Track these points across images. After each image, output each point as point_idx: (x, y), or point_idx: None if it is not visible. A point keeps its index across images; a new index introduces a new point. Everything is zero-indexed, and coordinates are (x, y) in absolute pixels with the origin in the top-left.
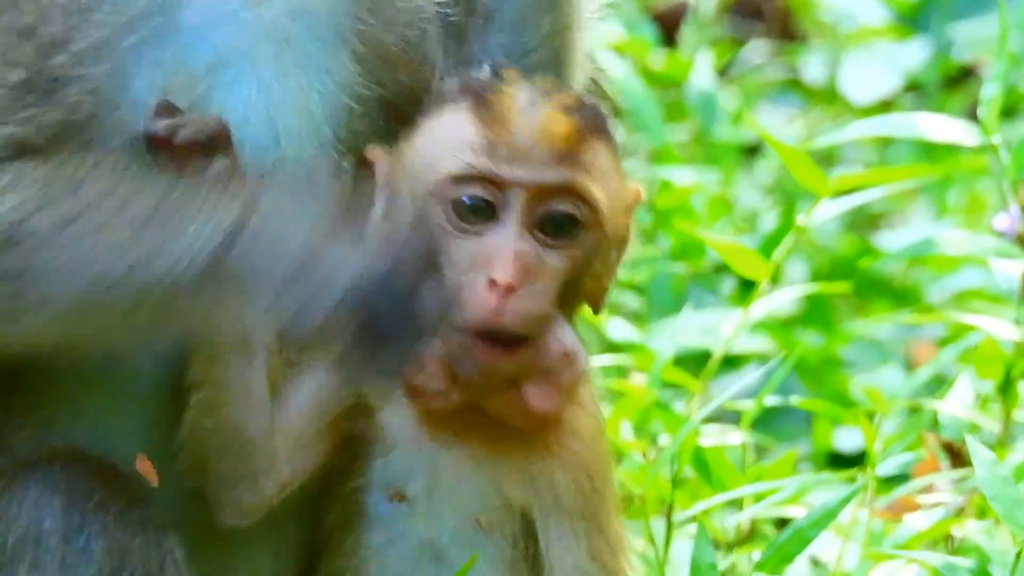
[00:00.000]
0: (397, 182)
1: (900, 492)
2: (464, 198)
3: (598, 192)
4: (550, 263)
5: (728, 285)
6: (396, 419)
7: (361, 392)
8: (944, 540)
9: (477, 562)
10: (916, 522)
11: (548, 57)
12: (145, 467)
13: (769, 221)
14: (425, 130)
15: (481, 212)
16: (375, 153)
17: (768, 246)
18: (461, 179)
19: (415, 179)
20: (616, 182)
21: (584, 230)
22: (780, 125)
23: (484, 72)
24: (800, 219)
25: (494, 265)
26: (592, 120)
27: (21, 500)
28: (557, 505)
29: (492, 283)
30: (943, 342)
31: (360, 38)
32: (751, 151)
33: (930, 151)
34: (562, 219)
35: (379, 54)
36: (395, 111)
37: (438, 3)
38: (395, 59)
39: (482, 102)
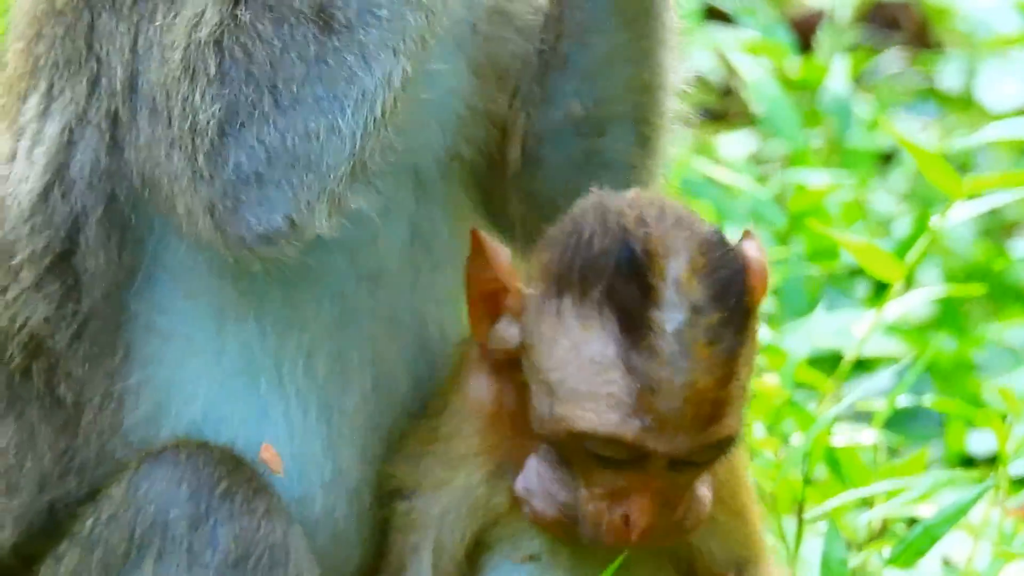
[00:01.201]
0: (534, 357)
1: None
2: (605, 454)
3: (737, 417)
4: (686, 479)
5: (862, 288)
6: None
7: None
8: None
9: None
10: None
11: (627, 111)
12: (269, 456)
13: (903, 226)
14: (570, 334)
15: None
16: (506, 280)
17: (902, 249)
18: (606, 440)
19: (556, 396)
20: (752, 357)
21: (722, 451)
22: (915, 132)
23: (627, 268)
24: (934, 222)
25: (633, 505)
26: (736, 325)
27: (148, 489)
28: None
29: (625, 518)
30: None
31: (477, 48)
32: (886, 158)
33: None
34: (702, 461)
35: (493, 67)
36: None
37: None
38: (505, 75)
39: (636, 336)
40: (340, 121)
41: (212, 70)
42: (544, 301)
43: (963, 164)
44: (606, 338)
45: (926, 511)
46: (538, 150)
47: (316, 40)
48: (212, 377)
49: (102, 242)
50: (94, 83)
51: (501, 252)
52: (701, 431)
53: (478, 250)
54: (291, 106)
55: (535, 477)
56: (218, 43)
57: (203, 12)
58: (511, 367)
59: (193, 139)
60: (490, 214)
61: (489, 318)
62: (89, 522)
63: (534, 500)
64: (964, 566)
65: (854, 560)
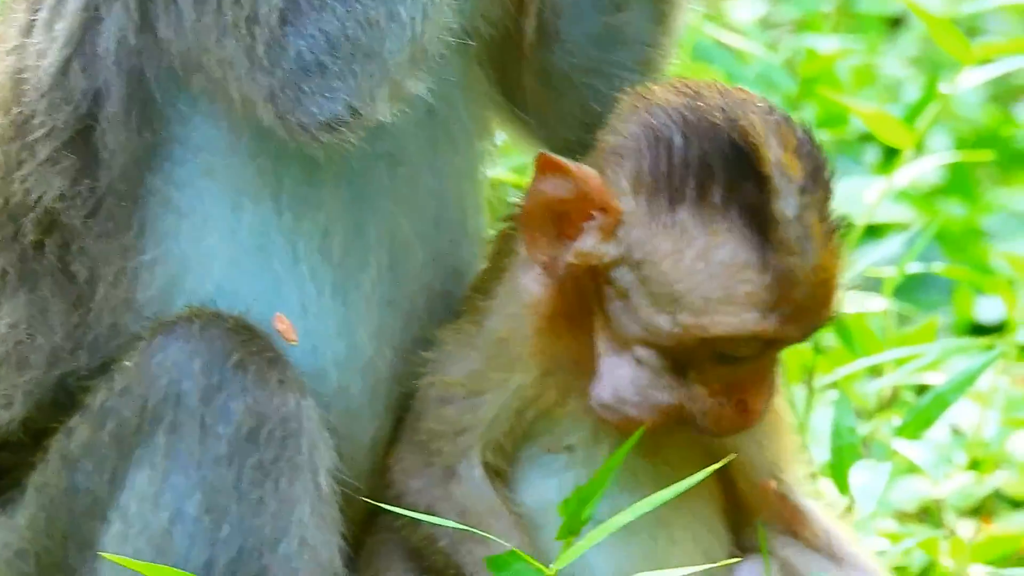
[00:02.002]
0: (646, 271)
1: None
2: (736, 352)
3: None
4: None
5: (871, 154)
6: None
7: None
8: None
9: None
10: None
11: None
12: (284, 326)
13: (913, 91)
14: (695, 244)
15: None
16: (603, 198)
17: (912, 115)
18: (745, 339)
19: (683, 305)
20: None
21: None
22: None
23: (739, 165)
24: (944, 88)
25: (751, 393)
26: (832, 194)
27: (161, 361)
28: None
29: (743, 404)
30: None
31: None
32: (895, 23)
33: None
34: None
35: None
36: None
37: None
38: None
39: (765, 233)
40: (400, 7)
41: None
42: (652, 214)
43: (972, 29)
44: (736, 240)
45: (935, 379)
46: (556, 24)
47: None
48: (226, 254)
49: (122, 119)
50: None
51: (590, 172)
52: (825, 311)
53: (551, 169)
54: None
55: (628, 384)
56: None
57: None
58: (575, 276)
59: (251, 29)
60: (504, 92)
61: (560, 238)
62: (101, 395)
63: (627, 407)
64: (972, 434)
65: (863, 428)
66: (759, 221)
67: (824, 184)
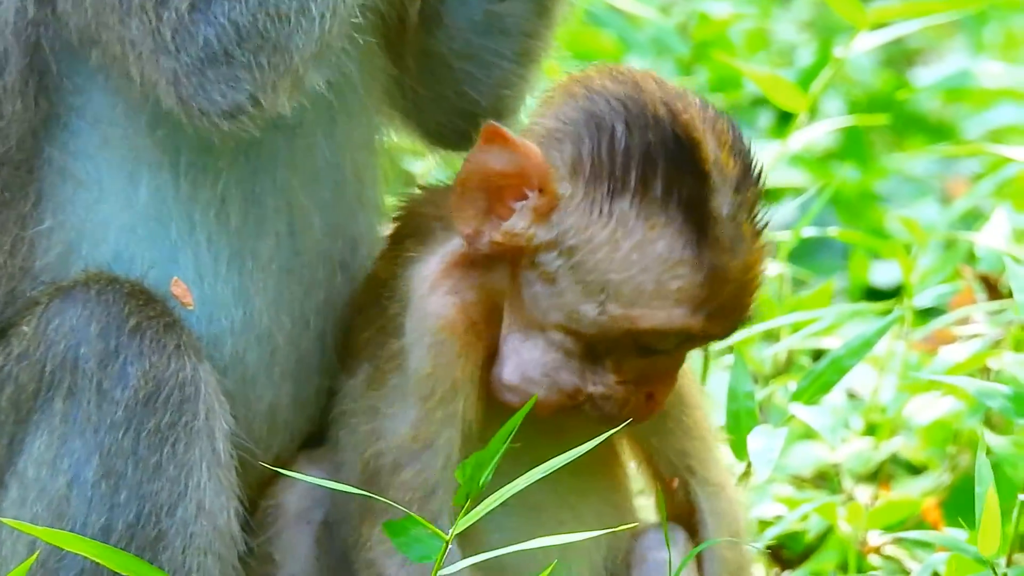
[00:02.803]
0: (579, 258)
1: (936, 324)
2: (658, 345)
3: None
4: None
5: (766, 118)
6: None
7: None
8: (981, 372)
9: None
10: (952, 354)
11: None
12: (180, 291)
13: (807, 55)
14: (632, 236)
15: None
16: (544, 176)
17: (806, 79)
18: (670, 333)
19: (613, 295)
20: None
21: None
22: None
23: (681, 160)
24: (838, 52)
25: (659, 387)
26: (761, 194)
27: (58, 326)
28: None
29: (650, 396)
30: (979, 176)
31: None
32: None
33: None
34: None
35: None
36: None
37: None
38: None
39: (702, 230)
40: (311, 3)
41: None
42: (590, 202)
43: None
44: (673, 235)
45: (831, 344)
46: (439, 9)
47: None
48: (123, 222)
49: (20, 88)
50: None
51: (534, 149)
52: (747, 310)
53: (496, 140)
54: None
55: (536, 365)
56: None
57: None
58: (490, 256)
59: (158, 12)
60: (400, 68)
61: (490, 213)
62: None
63: (532, 387)
64: (869, 398)
65: (760, 393)
66: (697, 217)
67: (754, 183)
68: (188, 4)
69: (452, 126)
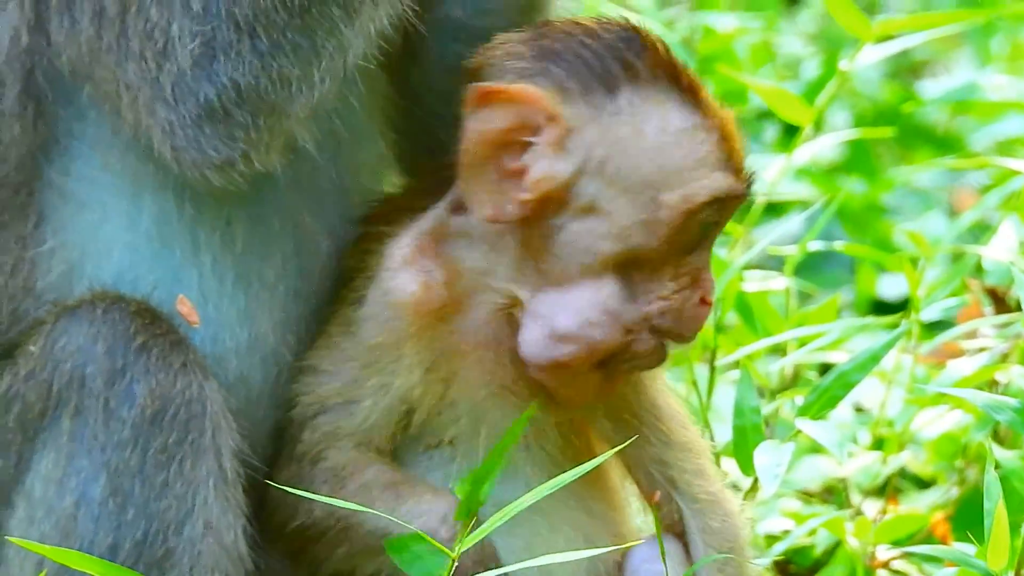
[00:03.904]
0: (611, 165)
1: (944, 337)
2: (711, 220)
3: None
4: None
5: (771, 132)
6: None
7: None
8: (988, 386)
9: (525, 481)
10: (960, 367)
11: (506, 27)
12: (186, 309)
13: (812, 68)
14: (650, 120)
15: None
16: (546, 105)
17: (811, 92)
18: (718, 200)
19: (662, 184)
20: None
21: None
22: None
23: (647, 43)
24: (843, 65)
25: (705, 286)
26: None
27: (64, 345)
28: (615, 411)
29: (703, 302)
30: (986, 189)
31: None
32: (793, 1)
33: None
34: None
35: None
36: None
37: None
38: None
39: (693, 97)
40: (314, 70)
41: (195, 5)
42: (595, 109)
43: (870, 6)
44: (678, 106)
45: (838, 358)
46: (415, 44)
47: None
48: (126, 243)
49: (18, 112)
50: None
51: (527, 86)
52: (744, 163)
53: (486, 98)
54: (269, 52)
55: (594, 307)
56: None
57: None
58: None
59: (160, 63)
60: (401, 93)
61: (504, 177)
62: (6, 380)
63: (595, 330)
64: (876, 412)
65: (766, 408)
66: (682, 86)
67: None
68: (191, 59)
69: (420, 161)
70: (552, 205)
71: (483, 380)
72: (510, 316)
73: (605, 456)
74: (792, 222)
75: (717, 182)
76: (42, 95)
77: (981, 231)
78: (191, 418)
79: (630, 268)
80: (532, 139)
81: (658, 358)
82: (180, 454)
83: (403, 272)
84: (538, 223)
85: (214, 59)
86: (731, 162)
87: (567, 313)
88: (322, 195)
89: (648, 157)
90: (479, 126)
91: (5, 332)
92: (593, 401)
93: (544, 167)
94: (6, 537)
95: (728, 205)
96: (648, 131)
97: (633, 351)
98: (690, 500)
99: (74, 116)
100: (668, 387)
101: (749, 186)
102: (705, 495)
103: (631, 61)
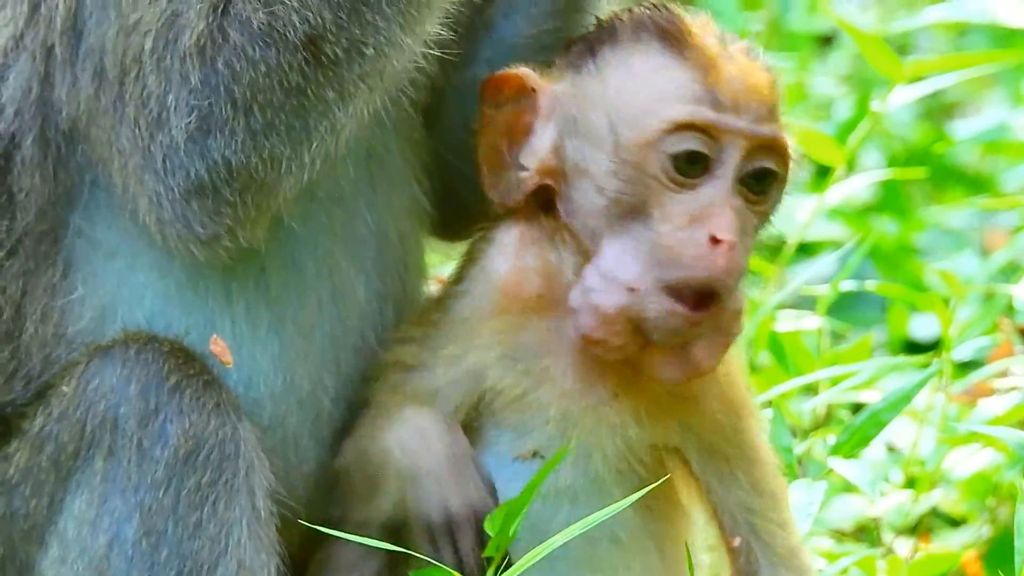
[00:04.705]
0: (581, 120)
1: (975, 377)
2: (684, 150)
3: (791, 148)
4: (750, 219)
5: (803, 172)
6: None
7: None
8: (1020, 424)
9: (613, 502)
10: (992, 406)
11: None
12: (219, 348)
13: (844, 109)
14: (617, 68)
15: (697, 165)
16: (532, 79)
17: (844, 133)
18: (683, 128)
19: (619, 123)
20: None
21: (777, 187)
22: (855, 14)
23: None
24: (875, 105)
25: (715, 221)
26: (774, 74)
27: (98, 386)
28: (710, 445)
29: (714, 241)
30: (1018, 229)
31: None
32: (826, 41)
33: (1006, 38)
34: (765, 175)
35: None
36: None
37: None
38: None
39: (679, 43)
40: (304, 151)
41: (193, 79)
42: (575, 74)
43: (903, 47)
44: (653, 53)
45: (870, 397)
46: (440, 103)
47: (301, 71)
48: (158, 291)
49: (38, 162)
50: (35, 7)
51: (520, 69)
52: (766, 120)
53: (496, 85)
54: (262, 131)
55: (592, 273)
56: (202, 53)
57: (183, 12)
58: (536, 214)
59: (153, 133)
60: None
61: (511, 150)
62: (39, 420)
63: (595, 298)
64: (908, 451)
65: (799, 447)
66: (663, 35)
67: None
68: (185, 133)
69: (443, 215)
70: (556, 179)
71: (575, 389)
72: None
73: (656, 484)
74: (825, 262)
75: (673, 111)
76: (57, 146)
77: (1012, 271)
78: (224, 458)
79: (628, 222)
80: (532, 120)
81: (687, 324)
82: (213, 494)
83: (502, 255)
84: (559, 205)
85: (208, 135)
86: (712, 94)
87: (580, 286)
88: (358, 240)
89: (608, 103)
90: (486, 114)
91: (37, 377)
92: (688, 379)
93: (535, 140)
94: None
95: (718, 136)
96: (612, 80)
97: (648, 317)
98: (770, 552)
99: (92, 165)
100: (760, 432)
101: (752, 129)
102: (784, 549)
103: (615, 25)
